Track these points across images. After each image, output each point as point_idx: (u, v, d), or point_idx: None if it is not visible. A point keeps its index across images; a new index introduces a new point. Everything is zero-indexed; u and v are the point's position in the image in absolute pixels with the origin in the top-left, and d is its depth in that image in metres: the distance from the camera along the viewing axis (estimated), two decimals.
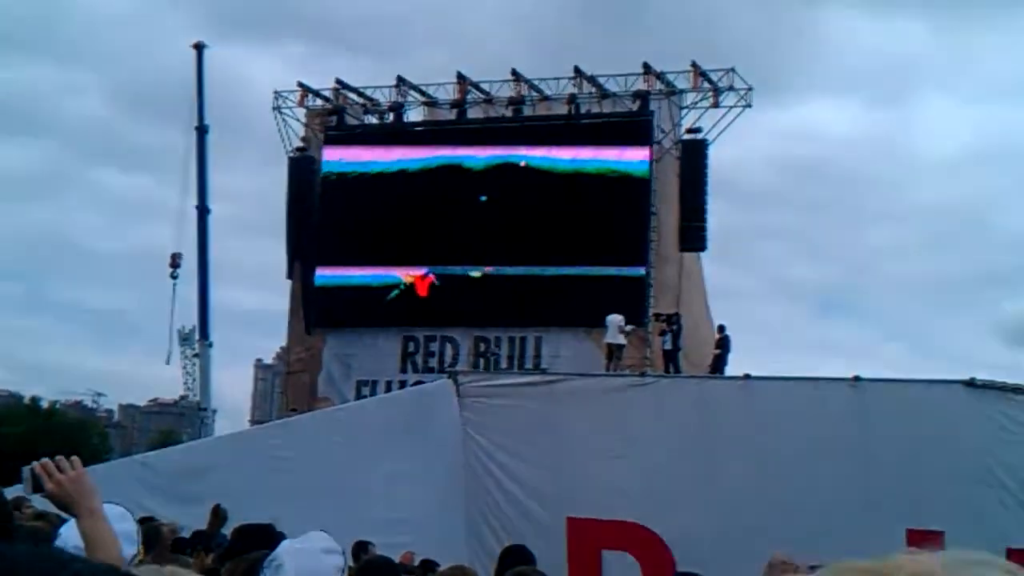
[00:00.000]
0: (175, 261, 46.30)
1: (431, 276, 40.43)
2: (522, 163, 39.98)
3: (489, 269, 39.54)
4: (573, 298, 37.58)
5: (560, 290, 38.18)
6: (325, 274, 41.36)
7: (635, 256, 38.20)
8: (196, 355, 47.87)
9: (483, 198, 39.94)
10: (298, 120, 43.92)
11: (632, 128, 39.40)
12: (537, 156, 40.00)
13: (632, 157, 39.14)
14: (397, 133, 42.76)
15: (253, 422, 64.11)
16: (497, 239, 39.12)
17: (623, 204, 38.47)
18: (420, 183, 40.82)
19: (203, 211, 46.24)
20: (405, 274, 40.62)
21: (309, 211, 42.11)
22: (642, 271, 38.24)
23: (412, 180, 41.11)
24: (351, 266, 40.96)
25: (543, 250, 38.57)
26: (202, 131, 46.79)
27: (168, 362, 48.51)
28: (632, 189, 38.77)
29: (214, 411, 50.20)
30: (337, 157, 42.33)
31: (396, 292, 40.81)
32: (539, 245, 38.60)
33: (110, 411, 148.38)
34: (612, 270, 37.97)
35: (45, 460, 4.03)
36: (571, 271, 38.36)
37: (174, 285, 46.66)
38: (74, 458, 4.05)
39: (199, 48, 47.96)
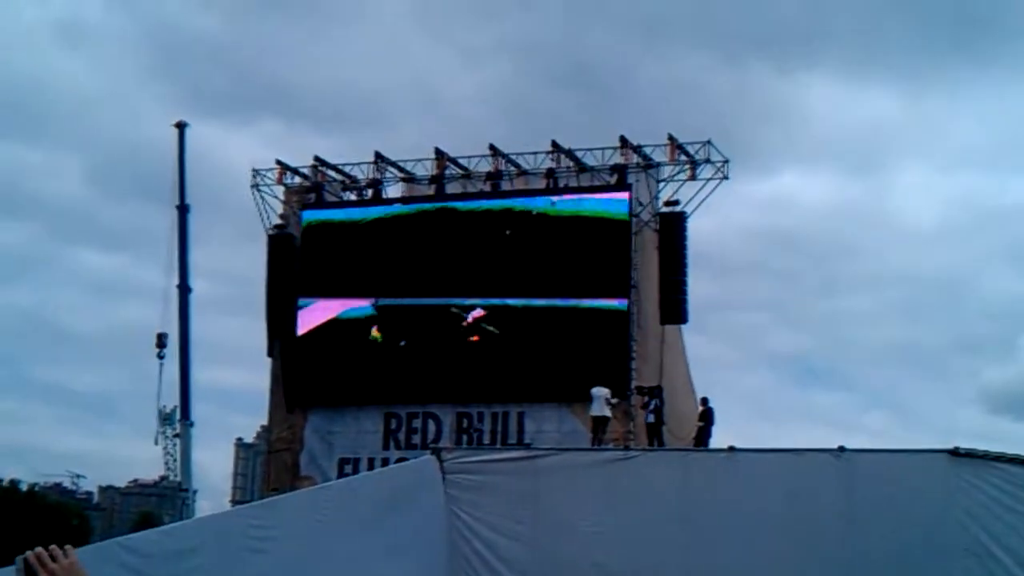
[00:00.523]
0: (161, 341, 46.20)
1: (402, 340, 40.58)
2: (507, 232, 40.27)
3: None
4: (556, 364, 37.58)
5: (543, 350, 38.17)
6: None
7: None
8: (177, 435, 47.63)
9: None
10: (277, 197, 43.96)
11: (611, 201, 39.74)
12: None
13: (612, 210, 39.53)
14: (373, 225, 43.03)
15: (234, 502, 63.66)
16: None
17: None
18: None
19: (185, 290, 46.19)
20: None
21: (289, 288, 42.05)
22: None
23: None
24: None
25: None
26: (183, 210, 46.79)
27: (156, 442, 48.35)
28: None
29: (195, 491, 49.90)
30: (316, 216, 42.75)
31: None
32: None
33: (90, 493, 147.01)
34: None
35: (39, 549, 4.01)
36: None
37: (160, 365, 46.57)
38: (68, 547, 4.02)
39: (181, 127, 48.06)
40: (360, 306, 41.10)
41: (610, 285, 38.53)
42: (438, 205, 41.37)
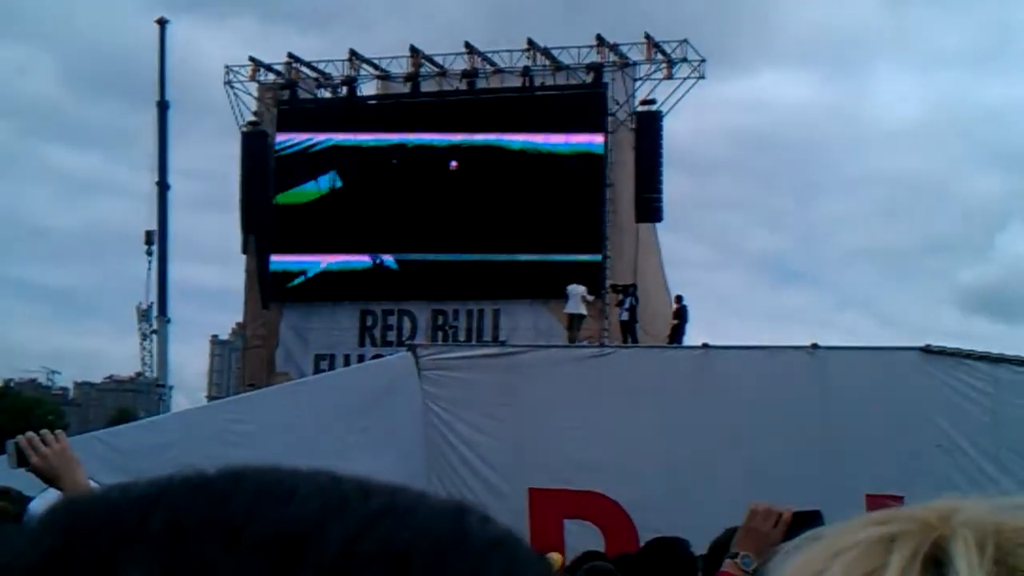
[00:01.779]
0: (150, 239, 46.14)
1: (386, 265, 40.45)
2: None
3: (448, 256, 39.47)
4: (531, 275, 37.64)
5: (518, 271, 38.18)
6: (280, 260, 41.30)
7: (591, 243, 38.25)
8: (154, 331, 47.71)
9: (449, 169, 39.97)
10: (250, 95, 43.69)
11: (587, 103, 39.38)
12: (492, 138, 40.00)
13: (587, 140, 39.22)
14: (351, 107, 42.58)
15: (210, 398, 63.81)
16: (455, 226, 39.06)
17: (579, 186, 38.50)
18: (377, 163, 40.77)
19: (164, 187, 46.01)
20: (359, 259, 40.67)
21: (263, 185, 41.88)
22: (599, 257, 38.31)
23: (368, 158, 41.01)
24: (305, 253, 40.90)
25: (500, 238, 38.51)
26: (163, 107, 46.47)
27: (146, 337, 48.41)
28: (588, 170, 38.84)
29: (171, 387, 50.08)
30: (288, 138, 42.26)
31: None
32: (497, 232, 38.54)
33: (65, 389, 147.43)
34: (569, 257, 38.00)
35: (30, 434, 4.07)
36: (528, 258, 38.36)
37: (149, 262, 46.57)
38: (59, 432, 4.11)
39: (162, 24, 47.52)
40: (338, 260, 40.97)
41: (583, 236, 38.29)
42: (416, 141, 40.89)
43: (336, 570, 0.55)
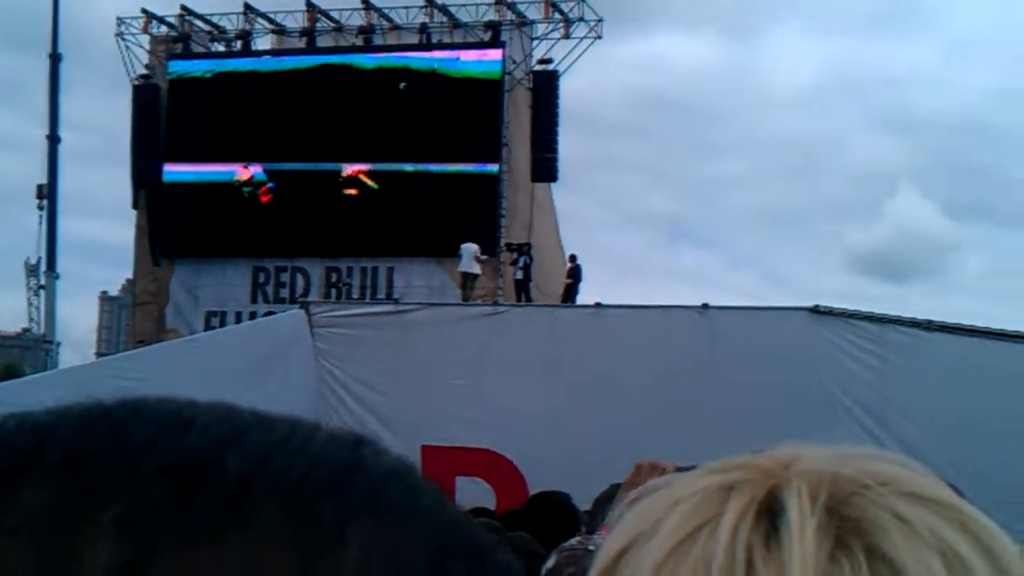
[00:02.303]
0: (41, 192, 45.31)
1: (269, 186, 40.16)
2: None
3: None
4: (426, 220, 37.55)
5: (414, 207, 38.05)
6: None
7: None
8: (42, 287, 46.97)
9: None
10: (142, 47, 43.02)
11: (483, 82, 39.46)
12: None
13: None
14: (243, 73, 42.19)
15: (99, 354, 63.05)
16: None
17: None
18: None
19: (54, 140, 45.16)
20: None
21: (154, 139, 41.30)
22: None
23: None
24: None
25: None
26: (56, 59, 45.52)
27: (37, 294, 47.60)
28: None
29: (59, 344, 49.32)
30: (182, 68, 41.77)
31: (246, 191, 40.42)
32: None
33: None
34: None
35: None
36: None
37: (41, 217, 45.72)
38: None
39: None
40: (228, 170, 40.55)
41: (482, 147, 38.37)
42: (311, 61, 40.72)
43: (234, 499, 0.56)
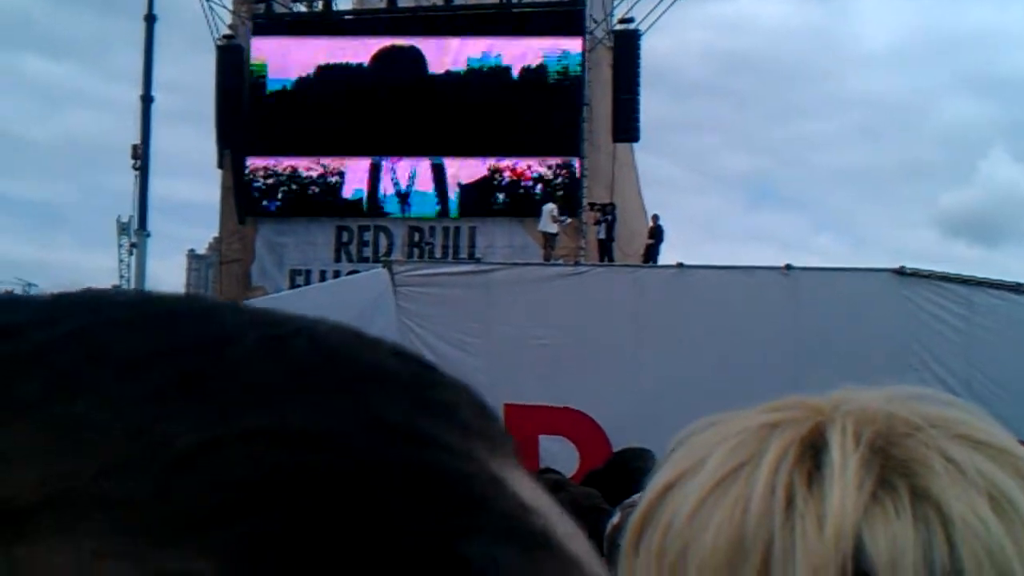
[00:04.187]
0: (136, 152, 45.85)
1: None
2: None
3: (426, 161, 39.33)
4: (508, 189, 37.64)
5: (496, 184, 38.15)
6: (256, 164, 41.07)
7: (569, 150, 38.18)
8: (134, 245, 47.57)
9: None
10: (225, 7, 43.24)
11: (565, 18, 39.07)
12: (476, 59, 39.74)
13: (566, 48, 38.96)
14: (326, 23, 42.21)
15: None
16: (436, 132, 38.81)
17: (557, 101, 38.31)
18: (356, 75, 40.47)
19: (148, 101, 45.63)
20: (337, 166, 40.45)
21: (238, 99, 41.57)
22: (575, 162, 38.35)
23: (347, 73, 40.70)
24: (283, 156, 40.65)
25: (479, 143, 38.36)
26: (151, 20, 45.93)
27: (130, 253, 48.13)
28: (566, 85, 38.67)
29: None
30: (264, 55, 41.77)
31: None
32: (475, 138, 38.36)
33: None
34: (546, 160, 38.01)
35: None
36: (505, 162, 38.33)
37: (136, 177, 46.28)
38: None
39: None
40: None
41: (560, 141, 38.15)
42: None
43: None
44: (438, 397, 0.51)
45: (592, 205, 36.11)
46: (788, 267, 15.77)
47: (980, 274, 15.37)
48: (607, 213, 34.14)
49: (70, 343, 0.48)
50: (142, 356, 0.48)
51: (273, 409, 0.46)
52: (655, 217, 34.74)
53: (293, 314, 0.55)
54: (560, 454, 13.71)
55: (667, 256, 32.06)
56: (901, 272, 15.10)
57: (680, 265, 17.43)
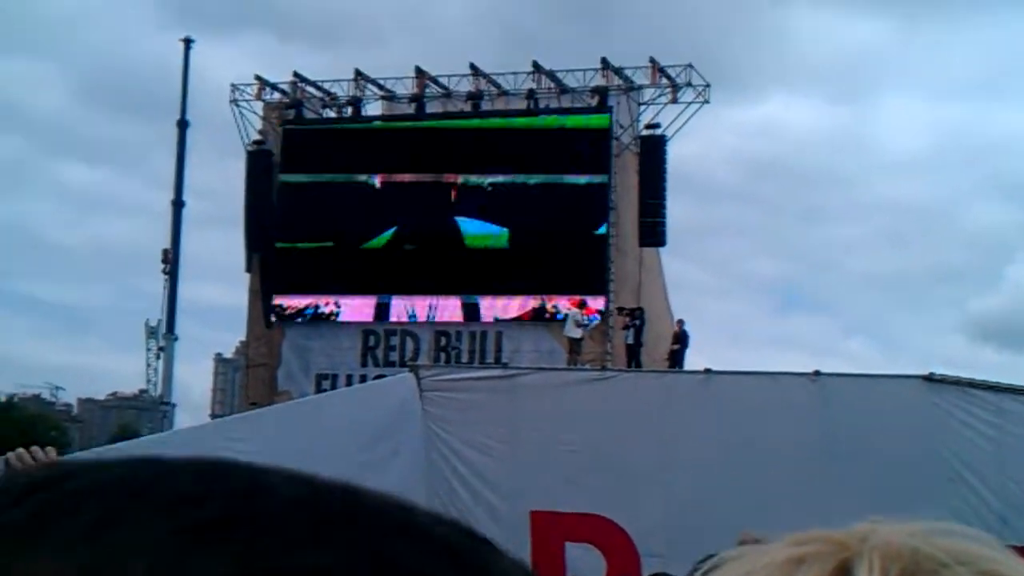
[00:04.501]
0: (167, 257, 46.26)
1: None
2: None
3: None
4: (536, 283, 37.80)
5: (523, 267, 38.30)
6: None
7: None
8: (161, 348, 47.80)
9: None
10: (255, 113, 43.84)
11: (591, 135, 39.52)
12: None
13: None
14: (356, 130, 42.70)
15: (213, 416, 63.84)
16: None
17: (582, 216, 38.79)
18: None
19: (179, 206, 46.19)
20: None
21: (267, 204, 41.97)
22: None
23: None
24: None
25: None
26: (183, 126, 46.67)
27: (158, 357, 48.39)
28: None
29: (174, 405, 50.12)
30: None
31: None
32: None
33: (69, 405, 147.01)
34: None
35: (20, 450, 4.15)
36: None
37: (165, 281, 46.65)
38: (49, 448, 4.20)
39: (187, 43, 47.92)
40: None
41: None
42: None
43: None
44: (476, 562, 0.56)
45: (620, 310, 36.17)
46: (816, 373, 15.67)
47: (1009, 379, 15.27)
48: (636, 318, 34.15)
49: (117, 484, 0.53)
50: (184, 496, 0.52)
51: (298, 553, 0.52)
52: (680, 322, 34.75)
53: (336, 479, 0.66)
54: (587, 562, 13.57)
55: (693, 361, 32.08)
56: (930, 379, 14.98)
57: (708, 371, 17.36)
